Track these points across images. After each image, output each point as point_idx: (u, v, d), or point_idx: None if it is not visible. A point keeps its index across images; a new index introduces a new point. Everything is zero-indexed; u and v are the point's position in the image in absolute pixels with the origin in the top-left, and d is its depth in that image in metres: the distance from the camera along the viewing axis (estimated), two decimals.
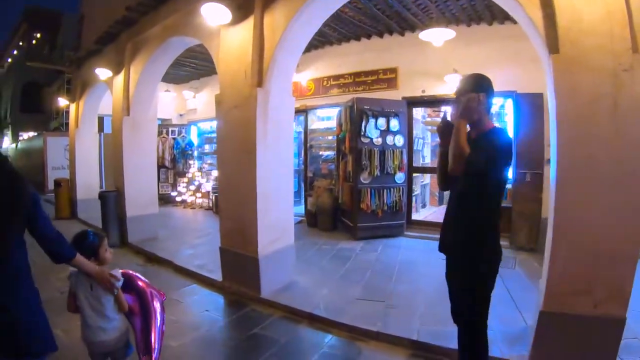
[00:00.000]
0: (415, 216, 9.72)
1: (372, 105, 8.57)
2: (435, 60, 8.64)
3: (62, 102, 13.53)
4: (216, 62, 6.29)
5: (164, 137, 13.61)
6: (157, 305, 3.03)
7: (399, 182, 8.80)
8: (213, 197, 12.23)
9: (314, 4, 5.19)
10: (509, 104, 8.47)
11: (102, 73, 9.14)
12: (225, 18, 5.69)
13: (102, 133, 13.75)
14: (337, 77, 10.13)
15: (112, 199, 8.63)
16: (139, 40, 8.36)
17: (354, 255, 7.50)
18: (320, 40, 9.74)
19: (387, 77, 9.47)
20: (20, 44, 34.30)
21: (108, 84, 9.60)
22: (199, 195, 13.36)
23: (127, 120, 8.65)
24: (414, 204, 10.01)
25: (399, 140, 8.81)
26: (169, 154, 13.69)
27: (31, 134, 26.55)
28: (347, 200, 8.88)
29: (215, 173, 13.12)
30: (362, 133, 8.41)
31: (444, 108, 10.40)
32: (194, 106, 14.64)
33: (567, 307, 3.35)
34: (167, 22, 7.40)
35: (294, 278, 6.20)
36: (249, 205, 5.65)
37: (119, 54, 8.95)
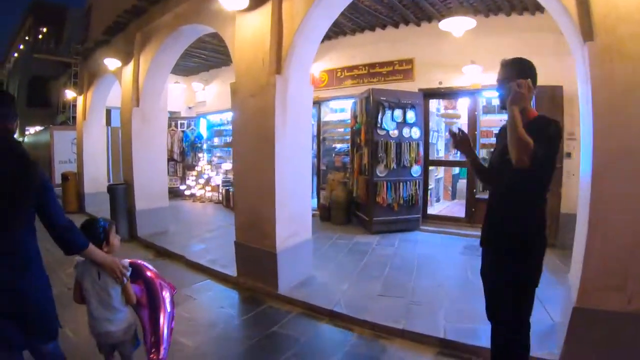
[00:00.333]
0: (430, 210, 9.48)
1: (388, 97, 8.29)
2: (452, 51, 8.36)
3: (70, 94, 13.28)
4: (231, 49, 6.02)
5: (172, 129, 13.32)
6: (166, 295, 2.92)
7: (415, 175, 8.55)
8: (223, 191, 12.00)
9: None
10: None
11: (111, 63, 8.88)
12: (242, 4, 5.41)
13: (109, 126, 13.46)
14: (351, 68, 9.85)
15: (121, 192, 8.38)
16: (148, 29, 8.11)
17: (371, 250, 7.26)
18: (334, 31, 9.47)
19: (402, 69, 9.18)
20: (27, 38, 34.11)
21: (116, 75, 9.36)
22: (208, 188, 13.12)
23: (136, 111, 8.40)
24: (429, 197, 9.74)
25: (416, 133, 8.54)
26: (178, 147, 13.43)
27: (38, 128, 26.35)
28: (362, 193, 8.62)
29: (225, 166, 12.98)
30: (379, 125, 8.14)
31: (458, 109, 10.40)
32: (203, 98, 14.35)
33: (601, 303, 3.20)
34: (179, 10, 7.15)
35: (312, 273, 5.96)
36: (266, 197, 5.40)
37: (127, 44, 8.69)
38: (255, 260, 5.64)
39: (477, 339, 3.94)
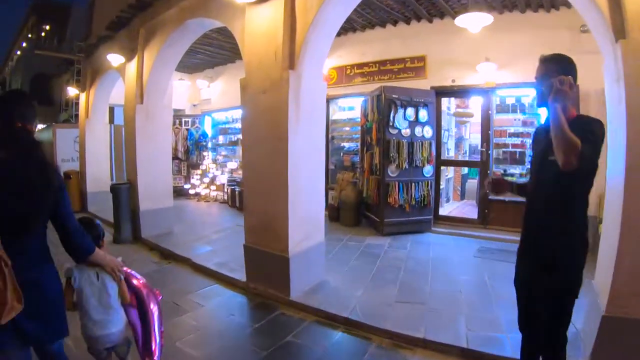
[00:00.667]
0: (440, 211, 9.15)
1: (400, 95, 7.97)
2: (466, 48, 8.10)
3: (72, 91, 12.95)
4: (241, 44, 5.70)
5: (177, 127, 12.97)
6: (154, 308, 2.90)
7: (427, 175, 8.25)
8: (228, 190, 11.66)
9: None
10: None
11: (114, 59, 8.56)
12: None
13: (112, 124, 13.13)
14: (360, 66, 9.53)
15: (124, 192, 8.05)
16: (153, 24, 7.79)
17: (383, 253, 6.97)
18: (344, 27, 9.09)
19: (414, 66, 8.88)
20: (30, 36, 33.87)
21: (120, 71, 9.04)
22: (213, 187, 12.78)
23: (140, 108, 8.07)
24: (440, 198, 9.41)
25: (428, 132, 8.24)
26: (182, 146, 13.07)
27: (40, 126, 26.03)
28: (373, 194, 8.32)
29: (230, 165, 12.64)
30: (391, 123, 7.84)
31: (470, 107, 10.10)
32: (208, 96, 14.00)
33: (630, 310, 3.06)
34: (185, 4, 6.84)
35: (324, 278, 5.67)
36: (278, 198, 5.08)
37: (131, 39, 8.36)
38: (266, 265, 5.33)
39: (502, 348, 3.76)
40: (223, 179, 12.47)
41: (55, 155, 15.91)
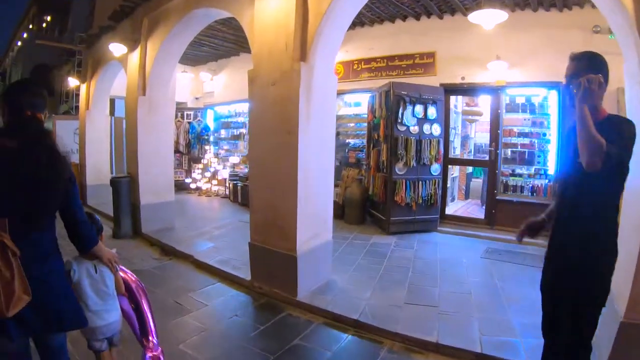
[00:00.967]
0: (446, 210, 8.92)
1: (409, 91, 7.74)
2: (476, 46, 7.92)
3: (73, 82, 12.64)
4: (249, 34, 5.43)
5: (178, 120, 12.66)
6: (141, 294, 2.97)
7: (434, 174, 8.03)
8: (230, 185, 11.40)
9: None
10: (553, 95, 7.67)
11: (117, 49, 8.29)
12: None
13: (112, 117, 12.84)
14: (368, 61, 9.28)
15: (124, 185, 7.79)
16: (157, 14, 7.52)
17: (390, 252, 6.75)
18: (352, 21, 8.84)
19: (423, 62, 8.65)
20: (30, 27, 33.47)
21: (122, 62, 8.76)
22: (214, 182, 12.52)
23: (142, 100, 7.80)
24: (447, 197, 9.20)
25: (436, 130, 8.02)
26: (184, 139, 12.77)
27: None
28: (379, 191, 8.08)
29: (232, 159, 12.39)
30: (399, 120, 7.60)
31: (480, 101, 9.87)
32: (211, 89, 13.72)
33: None
34: None
35: (331, 277, 5.45)
36: (287, 194, 4.85)
37: (134, 30, 8.10)
38: (273, 264, 5.10)
39: (517, 354, 3.62)
40: (225, 173, 12.20)
41: None
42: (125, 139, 8.98)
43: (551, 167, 7.69)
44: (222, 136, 13.68)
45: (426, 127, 7.89)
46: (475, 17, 6.32)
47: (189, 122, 13.01)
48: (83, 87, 11.37)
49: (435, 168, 8.01)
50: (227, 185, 11.76)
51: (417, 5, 8.03)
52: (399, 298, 4.88)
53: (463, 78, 8.22)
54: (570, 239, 2.50)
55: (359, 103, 9.90)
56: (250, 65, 5.35)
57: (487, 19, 6.34)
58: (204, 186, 12.63)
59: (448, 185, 9.39)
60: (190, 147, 12.93)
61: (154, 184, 8.03)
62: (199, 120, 13.18)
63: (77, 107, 16.23)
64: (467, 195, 11.19)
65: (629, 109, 3.28)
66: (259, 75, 5.16)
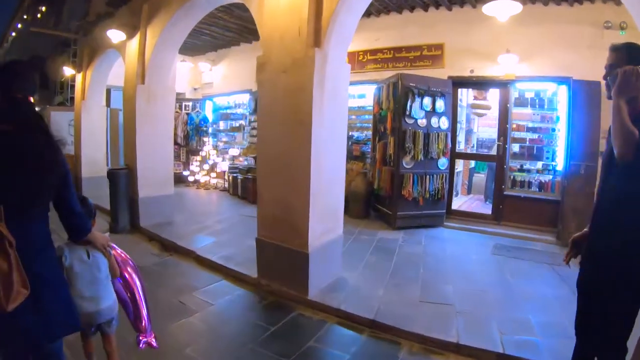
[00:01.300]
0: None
1: (418, 83, 7.43)
2: (486, 38, 7.66)
3: (68, 71, 12.18)
4: (258, 19, 5.08)
5: (177, 111, 12.11)
6: (133, 273, 2.92)
7: (441, 168, 7.75)
8: (230, 178, 11.02)
9: None
10: (563, 91, 7.42)
11: (115, 35, 7.87)
12: None
13: (109, 108, 12.39)
14: (374, 52, 8.96)
15: (122, 178, 7.41)
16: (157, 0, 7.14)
17: (398, 248, 6.49)
18: None
19: (431, 54, 8.36)
20: (25, 17, 32.82)
21: (120, 50, 8.38)
22: (213, 175, 12.14)
23: (141, 89, 7.43)
24: (453, 192, 8.99)
25: (444, 123, 7.74)
26: (182, 130, 12.32)
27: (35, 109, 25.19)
28: (386, 185, 7.77)
29: (232, 152, 12.02)
30: (407, 113, 7.29)
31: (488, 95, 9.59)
32: (210, 80, 13.31)
33: None
34: None
35: (341, 274, 5.17)
36: (299, 188, 4.53)
37: (133, 16, 7.72)
38: (282, 261, 4.79)
39: (539, 354, 3.46)
40: (224, 166, 11.85)
41: None
42: (122, 130, 8.59)
43: (560, 163, 7.46)
44: (221, 128, 13.35)
45: (434, 121, 7.61)
46: (489, 8, 6.09)
47: (187, 113, 12.59)
48: (78, 77, 10.93)
49: (443, 162, 7.74)
50: (227, 178, 11.40)
51: None
52: (413, 296, 4.65)
53: (472, 71, 7.94)
54: (607, 238, 2.40)
55: (363, 95, 9.59)
56: (252, 55, 5.07)
57: (502, 10, 6.10)
58: (202, 179, 12.25)
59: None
60: (189, 139, 12.50)
61: (152, 176, 7.67)
62: (197, 111, 12.77)
63: (72, 99, 15.82)
64: (469, 190, 10.93)
65: None
66: (268, 62, 4.80)
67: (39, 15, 30.95)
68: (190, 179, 12.50)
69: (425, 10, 8.31)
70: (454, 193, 9.57)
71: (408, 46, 8.61)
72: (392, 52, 8.80)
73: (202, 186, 12.14)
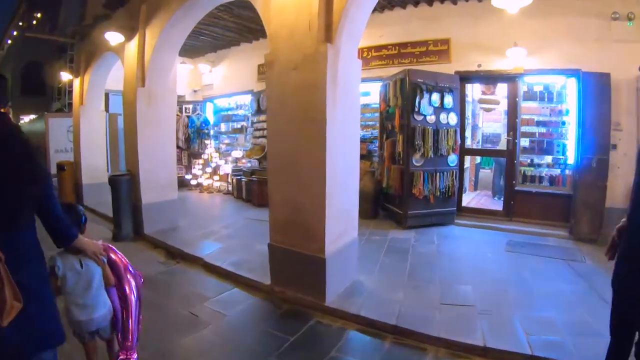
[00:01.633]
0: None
1: (426, 79, 7.20)
2: (493, 32, 7.46)
3: (66, 76, 11.88)
4: (264, 15, 4.82)
5: (177, 114, 11.85)
6: (131, 279, 2.84)
7: (451, 164, 7.52)
8: (233, 180, 10.75)
9: None
10: (571, 83, 7.20)
11: (113, 38, 7.60)
12: None
13: (107, 113, 12.09)
14: (379, 48, 8.71)
15: (124, 184, 7.14)
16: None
17: (411, 248, 6.26)
18: None
19: (437, 49, 8.12)
20: (20, 24, 32.47)
21: (118, 53, 8.12)
22: (216, 178, 11.87)
23: (142, 91, 7.18)
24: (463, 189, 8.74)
25: (453, 119, 7.50)
26: (183, 134, 12.03)
27: (31, 116, 24.87)
28: (395, 184, 7.52)
29: (235, 154, 11.76)
30: (416, 109, 7.06)
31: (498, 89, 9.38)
32: (210, 81, 13.03)
33: None
34: None
35: (357, 278, 4.94)
36: (313, 189, 4.28)
37: (132, 17, 7.47)
38: (296, 267, 4.54)
39: (568, 354, 3.31)
40: (227, 168, 11.58)
41: (48, 146, 14.96)
42: (122, 135, 8.32)
43: (571, 157, 7.25)
44: (222, 130, 13.10)
45: (443, 117, 7.37)
46: (499, 0, 5.82)
47: (188, 116, 12.32)
48: (76, 82, 10.67)
49: (453, 159, 7.51)
50: (230, 180, 11.14)
51: None
52: (433, 298, 4.44)
53: (479, 65, 7.71)
54: None
55: (368, 92, 9.29)
56: (252, 55, 4.83)
57: (511, 3, 5.83)
58: (205, 182, 11.97)
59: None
60: (190, 142, 12.22)
61: (155, 181, 7.41)
62: (198, 113, 12.52)
63: (70, 105, 15.55)
64: (476, 187, 10.71)
65: None
66: (278, 59, 4.54)
67: (34, 22, 30.63)
68: (193, 182, 12.23)
69: (430, 4, 8.07)
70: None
71: (413, 42, 8.37)
72: (397, 48, 8.55)
73: (205, 190, 11.87)
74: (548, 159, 7.61)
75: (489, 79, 8.09)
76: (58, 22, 25.42)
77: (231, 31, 10.19)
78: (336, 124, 4.28)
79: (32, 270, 2.06)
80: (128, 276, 2.82)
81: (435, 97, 7.22)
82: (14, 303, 1.82)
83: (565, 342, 3.47)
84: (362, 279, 4.92)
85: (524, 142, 7.71)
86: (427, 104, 7.12)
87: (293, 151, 4.47)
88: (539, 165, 7.64)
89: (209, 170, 12.03)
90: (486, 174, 11.11)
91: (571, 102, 7.25)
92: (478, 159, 10.82)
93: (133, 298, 2.82)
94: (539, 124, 7.63)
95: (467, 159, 9.83)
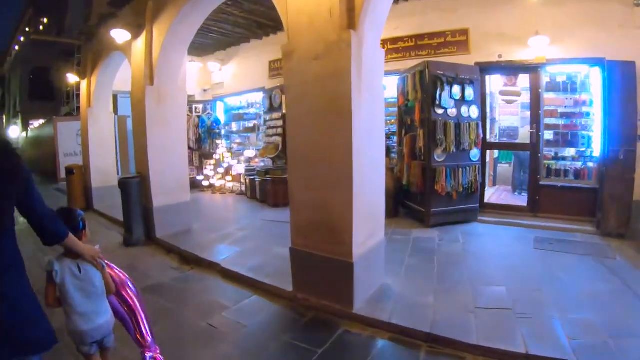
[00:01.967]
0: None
1: (446, 71, 6.84)
2: (513, 21, 7.13)
3: (72, 79, 11.60)
4: (281, 4, 4.43)
5: (187, 114, 11.63)
6: (132, 293, 2.76)
7: (474, 159, 7.15)
8: (247, 181, 10.44)
9: None
10: (595, 73, 6.83)
11: (119, 36, 7.31)
12: None
13: (116, 115, 11.79)
14: (394, 41, 8.35)
15: (134, 187, 6.83)
16: None
17: (436, 248, 5.92)
18: None
19: (456, 40, 7.77)
20: (27, 30, 32.43)
21: (125, 52, 7.83)
22: (228, 178, 11.51)
23: (150, 90, 6.88)
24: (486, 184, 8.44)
25: (474, 112, 7.13)
26: (194, 134, 11.74)
27: (41, 121, 24.78)
28: (416, 181, 7.13)
29: (248, 153, 11.43)
30: (437, 103, 6.70)
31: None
32: (220, 80, 12.70)
33: None
34: None
35: (384, 281, 4.59)
36: (339, 189, 3.93)
37: (138, 15, 7.18)
38: (321, 272, 4.18)
39: (614, 357, 3.08)
40: (240, 168, 11.24)
41: (58, 150, 14.77)
42: (131, 137, 8.02)
43: (596, 149, 6.88)
44: (234, 129, 12.80)
45: (464, 110, 7.00)
46: None
47: (198, 116, 12.03)
48: (83, 84, 10.39)
49: (475, 153, 7.14)
50: (243, 181, 10.82)
51: None
52: (467, 301, 4.11)
53: (500, 56, 7.34)
54: None
55: (384, 87, 8.93)
56: (263, 51, 4.51)
57: None
58: (218, 183, 11.62)
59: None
60: (201, 142, 11.93)
61: (167, 183, 7.11)
62: (209, 113, 12.20)
63: (79, 108, 15.31)
64: (494, 182, 10.34)
65: None
66: (297, 50, 4.19)
67: (41, 28, 30.61)
68: (205, 183, 11.91)
69: None
70: None
71: (430, 33, 8.02)
72: (413, 40, 8.20)
73: (217, 190, 11.54)
74: (572, 151, 7.26)
75: (510, 69, 7.69)
76: (65, 25, 25.34)
77: (241, 27, 9.88)
78: (362, 117, 3.93)
79: (12, 278, 1.97)
80: (128, 291, 2.74)
81: (456, 89, 6.87)
82: None
83: (610, 345, 3.22)
84: (389, 282, 4.58)
85: (548, 135, 7.34)
86: (448, 96, 6.77)
87: (316, 147, 4.12)
88: (564, 159, 7.29)
89: (221, 170, 11.68)
90: (504, 168, 10.76)
91: (595, 93, 6.89)
92: (496, 153, 10.47)
93: (135, 299, 2.76)
94: (562, 115, 7.27)
95: (487, 154, 9.51)
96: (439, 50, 7.91)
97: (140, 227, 6.86)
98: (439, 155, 6.80)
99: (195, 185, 11.52)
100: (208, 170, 11.93)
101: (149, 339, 2.76)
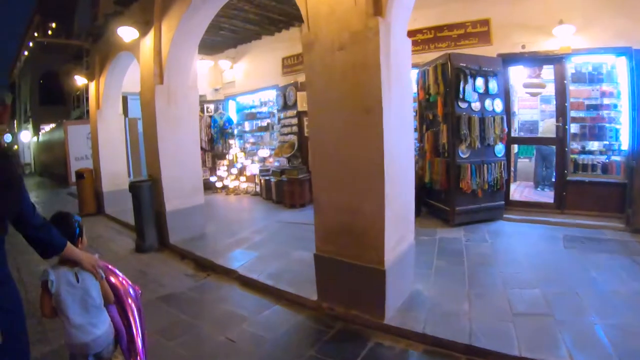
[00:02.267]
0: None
1: (469, 63, 6.51)
2: (536, 9, 6.77)
3: (80, 81, 11.35)
4: None
5: (199, 114, 11.40)
6: (132, 304, 2.52)
7: (499, 155, 6.82)
8: (262, 181, 10.13)
9: None
10: (622, 62, 6.44)
11: (127, 34, 7.04)
12: None
13: (127, 117, 11.53)
14: (412, 33, 7.91)
15: (146, 190, 6.54)
16: None
17: (464, 249, 5.59)
18: None
19: (477, 31, 7.39)
20: (36, 35, 32.40)
21: (133, 50, 7.57)
22: (242, 179, 11.22)
23: (160, 89, 6.60)
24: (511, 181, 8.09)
25: (498, 105, 6.79)
26: (206, 134, 11.44)
27: (50, 125, 24.74)
28: (440, 178, 6.79)
29: (262, 153, 11.13)
30: (460, 96, 6.36)
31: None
32: (231, 78, 12.35)
33: None
34: None
35: (415, 287, 4.29)
36: (369, 190, 3.61)
37: (145, 11, 6.92)
38: (349, 280, 3.86)
39: None
40: (254, 168, 10.96)
41: (68, 154, 14.58)
42: (142, 139, 7.74)
43: (624, 142, 6.52)
44: (247, 129, 12.51)
45: (488, 103, 6.67)
46: None
47: (210, 116, 11.73)
48: (92, 86, 10.17)
49: (500, 149, 6.80)
50: (258, 181, 10.53)
51: None
52: (503, 308, 3.82)
53: (523, 47, 6.96)
54: None
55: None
56: (275, 47, 4.21)
57: None
58: (232, 184, 11.32)
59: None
60: (214, 142, 11.63)
61: (180, 185, 6.83)
62: (221, 112, 11.89)
63: (89, 112, 15.15)
64: (515, 178, 9.96)
65: None
66: (318, 40, 3.85)
67: (49, 32, 30.61)
68: (218, 184, 11.62)
69: None
70: None
71: (450, 24, 7.65)
72: (432, 31, 7.83)
73: (231, 192, 11.24)
74: (600, 145, 6.88)
75: (534, 60, 7.30)
76: (73, 29, 25.25)
77: (252, 23, 9.55)
78: (392, 112, 3.60)
79: (12, 295, 1.95)
80: (129, 300, 2.54)
81: (480, 82, 6.53)
82: None
83: None
84: (419, 288, 4.27)
85: (574, 128, 6.96)
86: (471, 90, 6.43)
87: (343, 145, 3.79)
88: (591, 153, 6.90)
89: (234, 171, 11.40)
90: (524, 163, 10.39)
91: (622, 83, 6.51)
92: (516, 148, 10.11)
93: (135, 314, 2.55)
94: (589, 107, 6.89)
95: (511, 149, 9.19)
96: (459, 42, 7.55)
97: (153, 232, 6.58)
98: (463, 152, 6.46)
99: (208, 186, 11.21)
100: (221, 171, 11.63)
101: (142, 354, 2.56)
